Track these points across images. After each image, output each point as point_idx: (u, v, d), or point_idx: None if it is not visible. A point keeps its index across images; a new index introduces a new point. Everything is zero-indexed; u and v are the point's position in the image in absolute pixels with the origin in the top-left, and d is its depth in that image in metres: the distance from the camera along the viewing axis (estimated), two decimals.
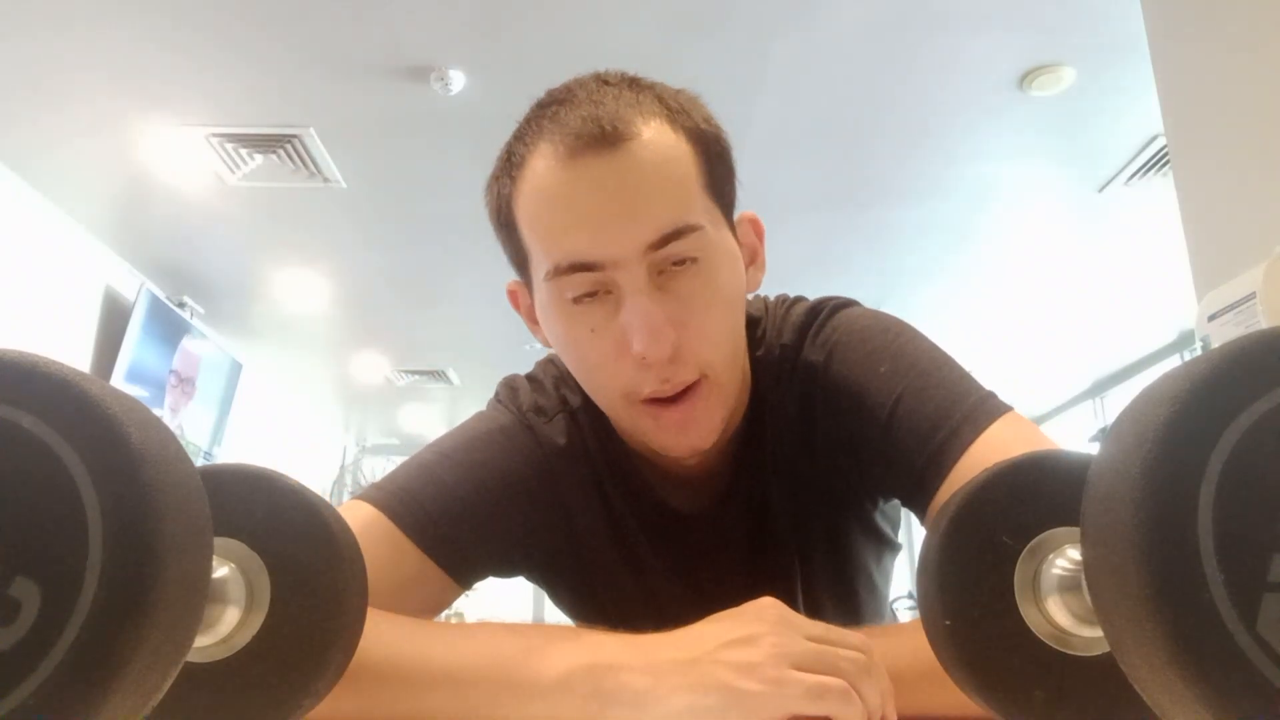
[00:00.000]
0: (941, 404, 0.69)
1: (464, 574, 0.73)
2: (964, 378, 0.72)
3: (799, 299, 0.83)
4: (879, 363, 0.73)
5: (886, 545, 0.89)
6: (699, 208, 0.66)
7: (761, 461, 0.79)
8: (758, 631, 0.53)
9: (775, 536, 0.81)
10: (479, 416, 0.82)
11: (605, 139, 0.62)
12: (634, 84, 0.69)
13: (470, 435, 0.78)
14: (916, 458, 0.68)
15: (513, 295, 0.77)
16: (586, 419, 0.81)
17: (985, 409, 0.68)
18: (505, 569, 0.80)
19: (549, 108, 0.67)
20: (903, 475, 0.71)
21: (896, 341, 0.74)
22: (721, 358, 0.69)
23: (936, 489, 0.67)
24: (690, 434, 0.69)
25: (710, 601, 0.58)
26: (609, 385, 0.69)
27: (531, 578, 0.87)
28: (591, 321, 0.66)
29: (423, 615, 0.71)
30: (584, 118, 0.63)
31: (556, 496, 0.79)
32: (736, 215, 0.74)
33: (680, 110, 0.68)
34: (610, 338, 0.65)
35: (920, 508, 0.70)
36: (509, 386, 0.85)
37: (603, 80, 0.68)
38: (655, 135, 0.64)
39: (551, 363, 0.87)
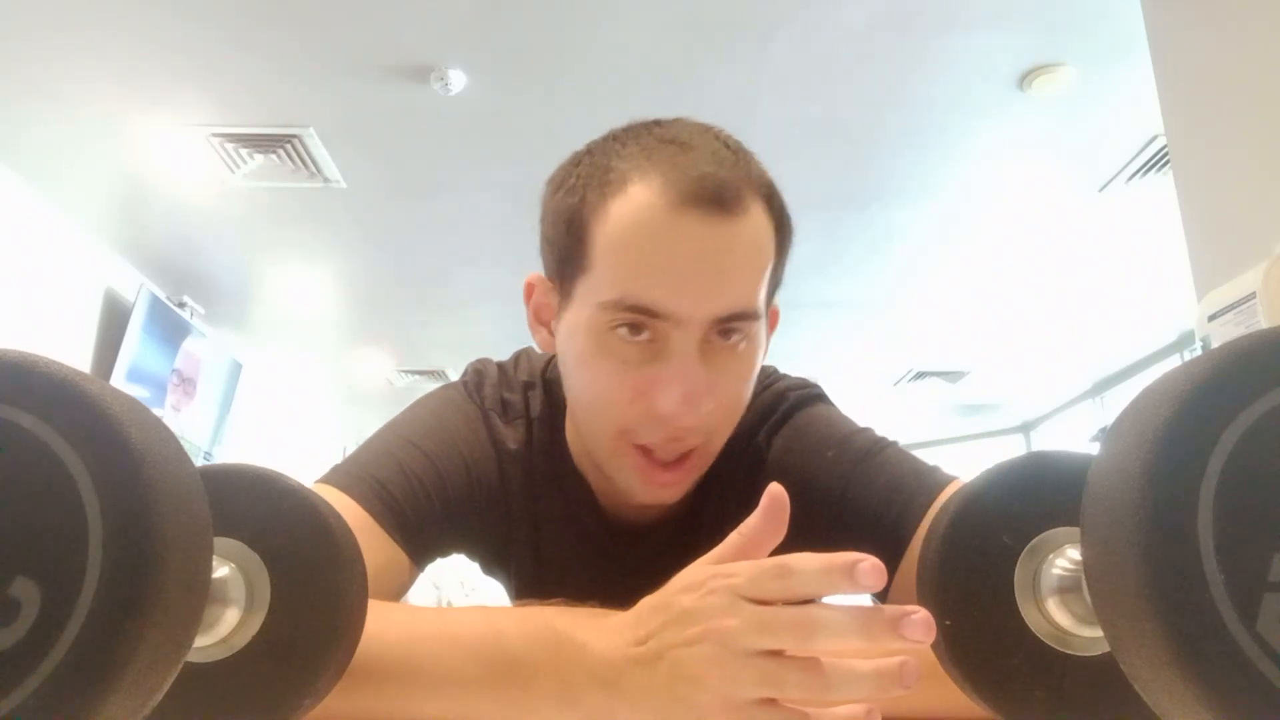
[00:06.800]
0: (893, 478, 0.71)
1: (424, 558, 0.75)
2: (910, 456, 0.74)
3: (777, 379, 0.85)
4: (825, 448, 0.76)
5: None
6: (763, 295, 0.68)
7: (699, 522, 0.80)
8: (696, 606, 0.47)
9: None
10: (445, 400, 0.82)
11: (721, 205, 0.63)
12: (742, 152, 0.69)
13: (435, 421, 0.78)
14: (873, 533, 0.69)
15: (530, 288, 0.76)
16: (541, 434, 0.81)
17: (937, 479, 0.70)
18: (452, 551, 0.82)
19: (667, 145, 0.66)
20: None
21: (842, 431, 0.77)
22: (725, 432, 0.71)
23: (896, 565, 0.67)
24: (668, 492, 0.71)
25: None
26: (607, 418, 0.69)
27: (472, 558, 0.89)
28: (625, 356, 0.66)
29: (390, 600, 0.72)
30: (706, 175, 0.63)
31: (504, 496, 0.80)
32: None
33: (774, 195, 0.69)
34: (635, 379, 0.66)
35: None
36: (477, 373, 0.84)
37: (716, 136, 0.69)
38: (758, 217, 0.66)
39: (527, 359, 0.86)
